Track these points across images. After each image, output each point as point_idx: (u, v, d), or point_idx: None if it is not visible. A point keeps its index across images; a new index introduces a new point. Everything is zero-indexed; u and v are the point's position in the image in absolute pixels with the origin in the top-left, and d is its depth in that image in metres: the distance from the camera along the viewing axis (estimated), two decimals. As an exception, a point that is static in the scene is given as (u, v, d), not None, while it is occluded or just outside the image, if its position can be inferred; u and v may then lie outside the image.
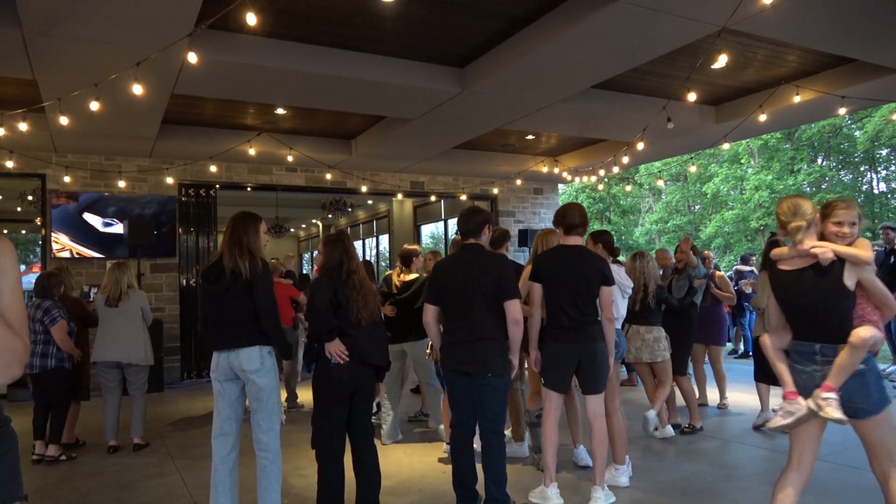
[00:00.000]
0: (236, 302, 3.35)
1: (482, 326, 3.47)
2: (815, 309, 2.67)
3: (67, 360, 5.12)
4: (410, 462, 4.84)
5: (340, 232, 3.67)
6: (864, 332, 2.54)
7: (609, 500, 3.81)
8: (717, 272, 6.54)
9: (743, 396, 6.86)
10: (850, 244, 2.66)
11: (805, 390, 2.69)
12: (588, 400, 3.88)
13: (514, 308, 3.47)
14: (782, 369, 2.80)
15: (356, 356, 3.38)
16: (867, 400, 2.58)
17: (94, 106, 5.19)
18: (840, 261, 2.61)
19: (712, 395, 6.57)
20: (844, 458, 4.56)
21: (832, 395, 2.54)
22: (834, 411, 2.52)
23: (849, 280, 2.59)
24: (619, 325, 4.29)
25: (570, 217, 3.85)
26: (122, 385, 5.46)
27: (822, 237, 2.74)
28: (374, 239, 17.60)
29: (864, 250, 2.59)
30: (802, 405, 2.68)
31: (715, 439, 5.25)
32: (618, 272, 4.31)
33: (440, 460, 4.81)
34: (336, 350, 3.36)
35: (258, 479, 3.45)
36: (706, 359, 6.50)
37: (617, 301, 4.25)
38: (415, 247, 5.61)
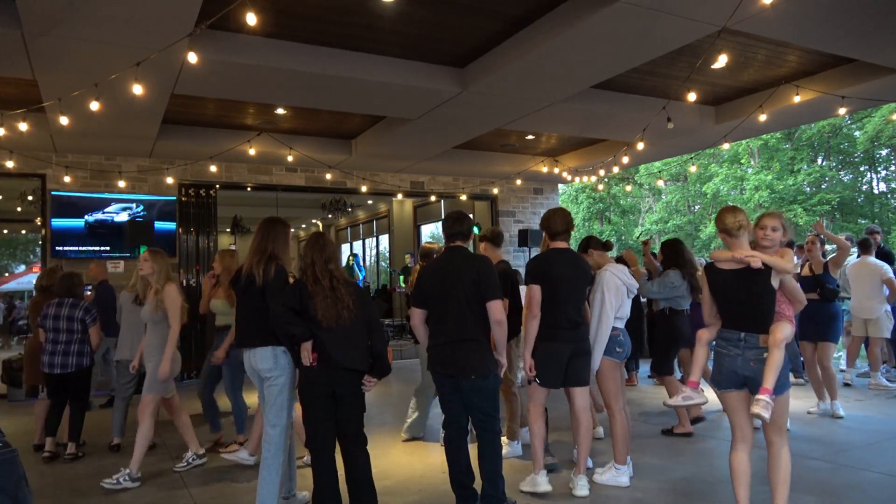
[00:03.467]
0: (251, 304, 3.58)
1: (462, 327, 3.51)
2: (747, 304, 3.17)
3: (93, 358, 5.32)
4: (410, 462, 4.84)
5: (314, 233, 3.70)
6: (779, 334, 3.05)
7: (588, 490, 3.99)
8: (700, 273, 6.46)
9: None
10: (773, 248, 3.21)
11: (727, 370, 3.20)
12: (576, 394, 4.07)
13: (495, 308, 3.51)
14: (700, 361, 3.41)
15: (325, 360, 3.36)
16: (777, 382, 3.05)
17: (94, 106, 5.19)
18: (768, 267, 3.11)
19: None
20: (845, 458, 4.57)
21: (765, 397, 2.98)
22: (761, 410, 2.96)
23: (774, 282, 3.14)
24: (622, 325, 4.28)
25: (553, 225, 4.10)
26: (137, 384, 5.42)
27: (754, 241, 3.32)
28: (374, 239, 17.61)
29: (787, 261, 3.13)
30: (702, 396, 3.39)
31: (714, 439, 5.25)
32: (623, 272, 4.30)
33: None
34: (302, 353, 3.39)
35: (259, 471, 3.54)
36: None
37: (623, 300, 4.25)
38: (433, 245, 5.59)
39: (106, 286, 7.11)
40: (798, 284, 3.32)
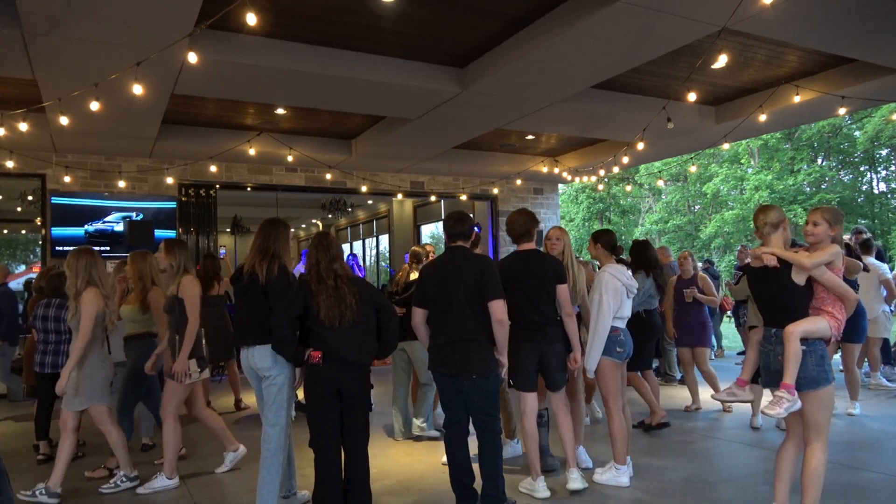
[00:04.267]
0: (252, 303, 3.62)
1: (463, 327, 3.51)
2: (770, 300, 3.26)
3: None
4: (410, 462, 4.84)
5: (319, 233, 3.73)
6: (791, 327, 3.08)
7: (584, 482, 4.03)
8: (700, 274, 6.52)
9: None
10: (816, 243, 3.23)
11: (764, 367, 3.30)
12: (550, 396, 4.11)
13: (497, 308, 3.52)
14: (751, 361, 3.57)
15: (331, 358, 3.39)
16: (804, 375, 3.08)
17: (94, 106, 5.18)
18: (787, 263, 3.13)
19: (682, 393, 6.56)
20: (844, 458, 4.57)
21: (783, 392, 3.05)
22: (769, 408, 3.06)
23: (797, 278, 3.13)
24: (623, 325, 4.27)
25: (514, 229, 4.12)
26: None
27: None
28: (374, 239, 17.61)
29: (817, 256, 3.10)
30: (748, 394, 3.54)
31: (714, 439, 5.26)
32: (623, 273, 4.29)
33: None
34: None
35: (259, 471, 3.55)
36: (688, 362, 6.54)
37: (623, 301, 4.25)
38: (421, 249, 5.87)
39: (6, 291, 6.88)
40: (839, 280, 3.19)
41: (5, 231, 21.26)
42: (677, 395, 7.05)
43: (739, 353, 9.98)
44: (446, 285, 3.58)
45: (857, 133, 23.63)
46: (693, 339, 6.32)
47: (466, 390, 3.53)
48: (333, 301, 3.38)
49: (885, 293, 6.87)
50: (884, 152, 24.33)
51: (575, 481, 3.98)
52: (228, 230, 15.18)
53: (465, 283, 3.53)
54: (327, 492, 3.42)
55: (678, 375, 7.90)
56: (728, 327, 11.93)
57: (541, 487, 3.92)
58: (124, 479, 4.32)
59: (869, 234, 7.58)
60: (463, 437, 3.63)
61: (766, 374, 3.27)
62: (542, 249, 4.29)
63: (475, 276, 3.53)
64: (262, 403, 3.67)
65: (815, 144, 25.08)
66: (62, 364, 4.98)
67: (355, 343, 3.42)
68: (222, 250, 8.86)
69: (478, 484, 3.60)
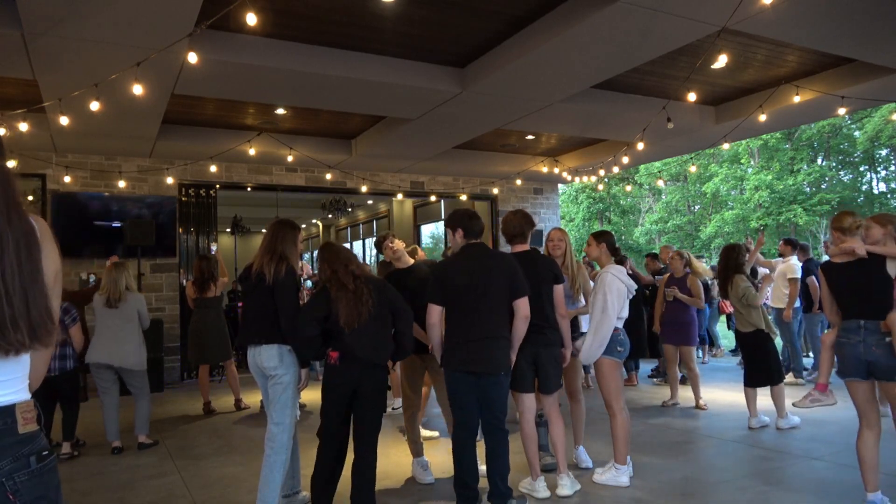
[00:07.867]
0: (260, 302, 3.63)
1: (494, 325, 3.50)
2: (862, 291, 3.39)
3: (77, 359, 5.22)
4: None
5: (323, 244, 3.76)
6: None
7: (574, 487, 3.98)
8: (690, 275, 6.52)
9: (723, 395, 6.91)
10: (874, 243, 3.46)
11: (850, 357, 3.40)
12: (543, 398, 4.07)
13: (525, 305, 3.54)
14: (827, 363, 3.63)
15: (349, 359, 3.41)
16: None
17: (94, 106, 5.19)
18: (877, 256, 3.36)
19: (684, 394, 6.58)
20: (844, 458, 4.56)
21: None
22: None
23: (891, 268, 3.34)
24: (620, 325, 4.27)
25: (508, 229, 4.10)
26: (119, 384, 5.44)
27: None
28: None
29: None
30: (829, 398, 3.66)
31: (713, 439, 5.26)
32: (623, 273, 4.28)
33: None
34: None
35: (262, 469, 3.57)
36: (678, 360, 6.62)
37: (625, 302, 4.24)
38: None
39: None
40: None
41: (5, 231, 21.29)
42: (680, 396, 7.05)
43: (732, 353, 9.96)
44: (472, 282, 3.52)
45: (856, 133, 23.65)
46: (679, 337, 6.40)
47: (487, 387, 3.51)
48: (353, 304, 3.41)
49: None
50: (883, 152, 24.36)
51: (564, 487, 3.94)
52: (228, 230, 15.17)
53: (497, 281, 3.51)
54: (325, 489, 3.48)
55: (678, 375, 7.90)
56: (722, 328, 11.89)
57: (541, 487, 3.91)
58: None
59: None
60: (472, 439, 3.62)
61: (854, 365, 3.36)
62: (539, 250, 4.27)
63: (508, 273, 3.53)
64: (268, 402, 3.68)
65: (815, 144, 25.10)
66: (55, 368, 4.95)
67: (371, 342, 3.44)
68: (213, 246, 8.84)
69: (481, 485, 3.60)
